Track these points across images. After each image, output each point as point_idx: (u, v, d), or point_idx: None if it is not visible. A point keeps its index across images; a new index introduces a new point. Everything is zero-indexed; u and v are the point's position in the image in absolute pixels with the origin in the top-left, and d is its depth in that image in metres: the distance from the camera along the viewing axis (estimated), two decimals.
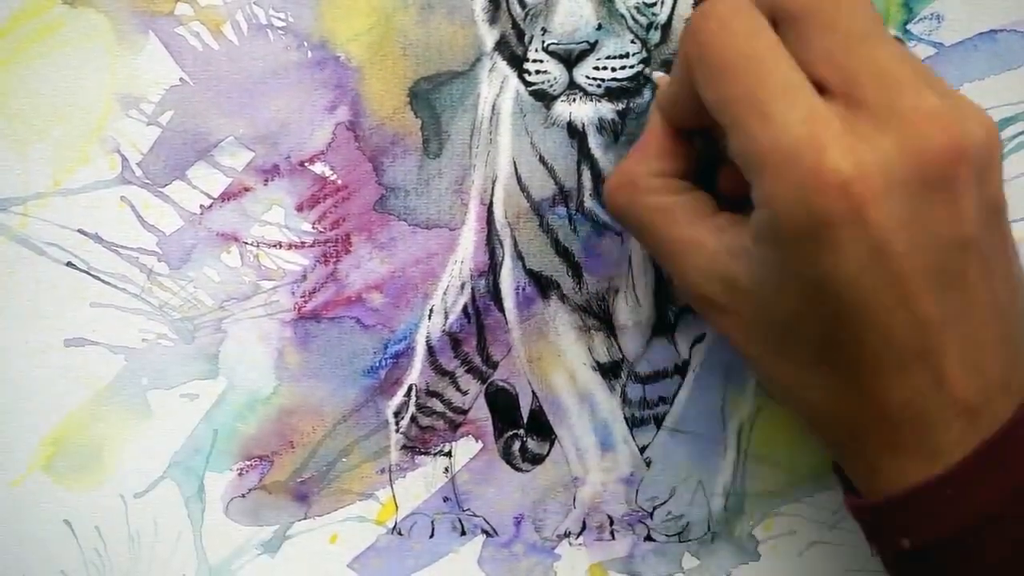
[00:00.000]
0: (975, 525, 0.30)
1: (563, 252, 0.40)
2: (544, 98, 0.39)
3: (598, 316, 0.41)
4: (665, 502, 0.42)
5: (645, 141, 0.35)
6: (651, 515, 0.42)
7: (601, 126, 0.39)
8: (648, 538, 0.42)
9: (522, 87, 0.39)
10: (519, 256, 0.40)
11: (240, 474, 0.41)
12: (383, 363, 0.41)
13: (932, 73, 0.31)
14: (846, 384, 0.30)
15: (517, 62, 0.39)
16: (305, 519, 0.42)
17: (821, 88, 0.30)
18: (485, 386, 0.41)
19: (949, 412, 0.30)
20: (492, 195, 0.40)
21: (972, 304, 0.30)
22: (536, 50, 0.38)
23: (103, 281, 0.40)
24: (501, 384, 0.41)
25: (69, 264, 0.40)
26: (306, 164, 0.39)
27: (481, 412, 0.41)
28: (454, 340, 0.41)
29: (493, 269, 0.41)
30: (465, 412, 0.42)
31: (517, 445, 0.42)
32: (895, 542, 0.31)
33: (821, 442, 0.33)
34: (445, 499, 0.42)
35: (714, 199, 0.34)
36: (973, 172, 0.29)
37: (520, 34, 0.38)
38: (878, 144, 0.28)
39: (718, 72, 0.30)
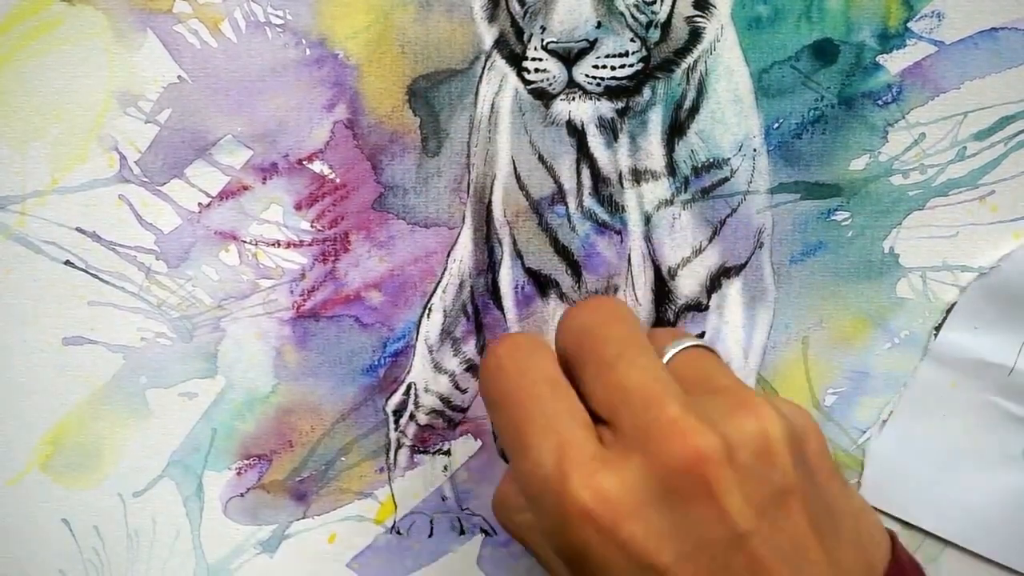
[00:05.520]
0: None
1: (562, 250, 0.40)
2: (543, 96, 0.39)
3: None
4: None
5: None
6: None
7: (600, 124, 0.39)
8: None
9: (521, 85, 0.39)
10: (518, 254, 0.40)
11: (239, 473, 0.41)
12: (382, 362, 0.41)
13: (712, 374, 0.32)
14: None
15: (516, 60, 0.39)
16: (304, 518, 0.42)
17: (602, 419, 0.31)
18: None
19: None
20: (491, 193, 0.40)
21: None
22: (535, 48, 0.38)
23: (101, 280, 0.40)
24: None
25: (67, 263, 0.40)
26: (304, 162, 0.39)
27: (480, 410, 0.41)
28: (453, 338, 0.41)
29: (492, 267, 0.40)
30: (464, 410, 0.41)
31: None
32: None
33: None
34: (444, 498, 0.42)
35: None
36: (729, 471, 0.29)
37: (519, 32, 0.38)
38: (626, 465, 0.29)
39: (493, 406, 0.33)
